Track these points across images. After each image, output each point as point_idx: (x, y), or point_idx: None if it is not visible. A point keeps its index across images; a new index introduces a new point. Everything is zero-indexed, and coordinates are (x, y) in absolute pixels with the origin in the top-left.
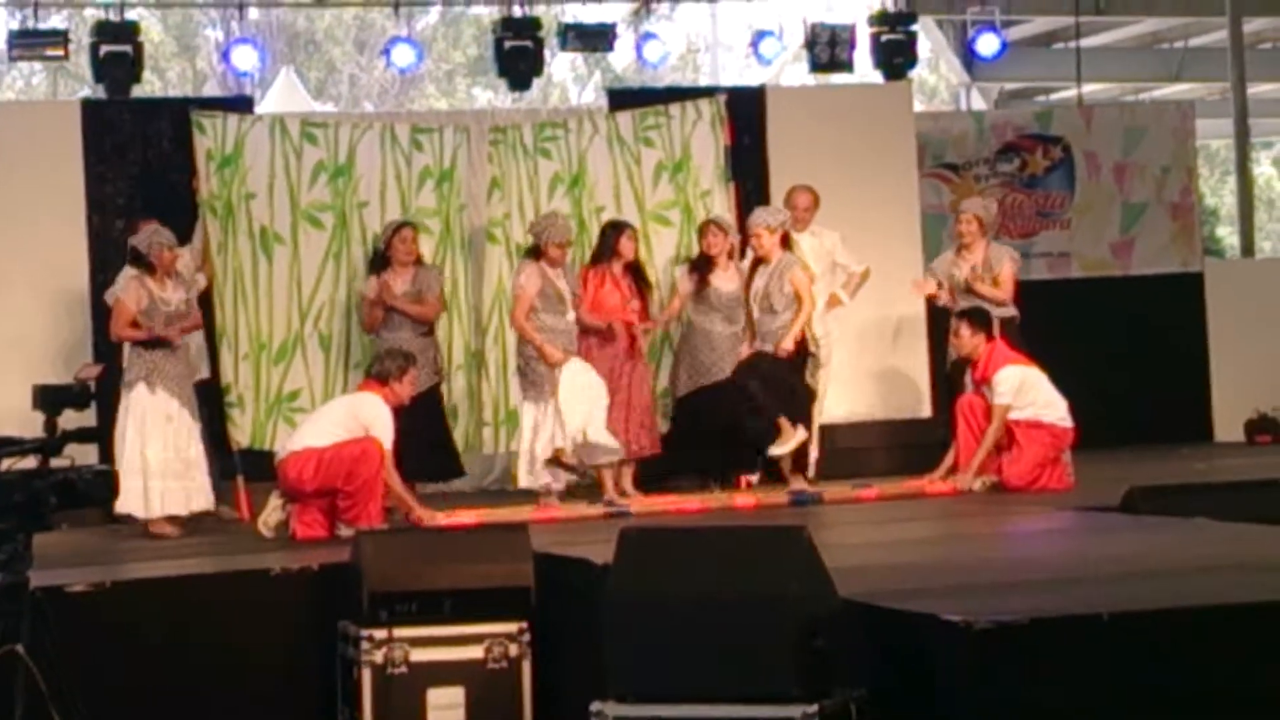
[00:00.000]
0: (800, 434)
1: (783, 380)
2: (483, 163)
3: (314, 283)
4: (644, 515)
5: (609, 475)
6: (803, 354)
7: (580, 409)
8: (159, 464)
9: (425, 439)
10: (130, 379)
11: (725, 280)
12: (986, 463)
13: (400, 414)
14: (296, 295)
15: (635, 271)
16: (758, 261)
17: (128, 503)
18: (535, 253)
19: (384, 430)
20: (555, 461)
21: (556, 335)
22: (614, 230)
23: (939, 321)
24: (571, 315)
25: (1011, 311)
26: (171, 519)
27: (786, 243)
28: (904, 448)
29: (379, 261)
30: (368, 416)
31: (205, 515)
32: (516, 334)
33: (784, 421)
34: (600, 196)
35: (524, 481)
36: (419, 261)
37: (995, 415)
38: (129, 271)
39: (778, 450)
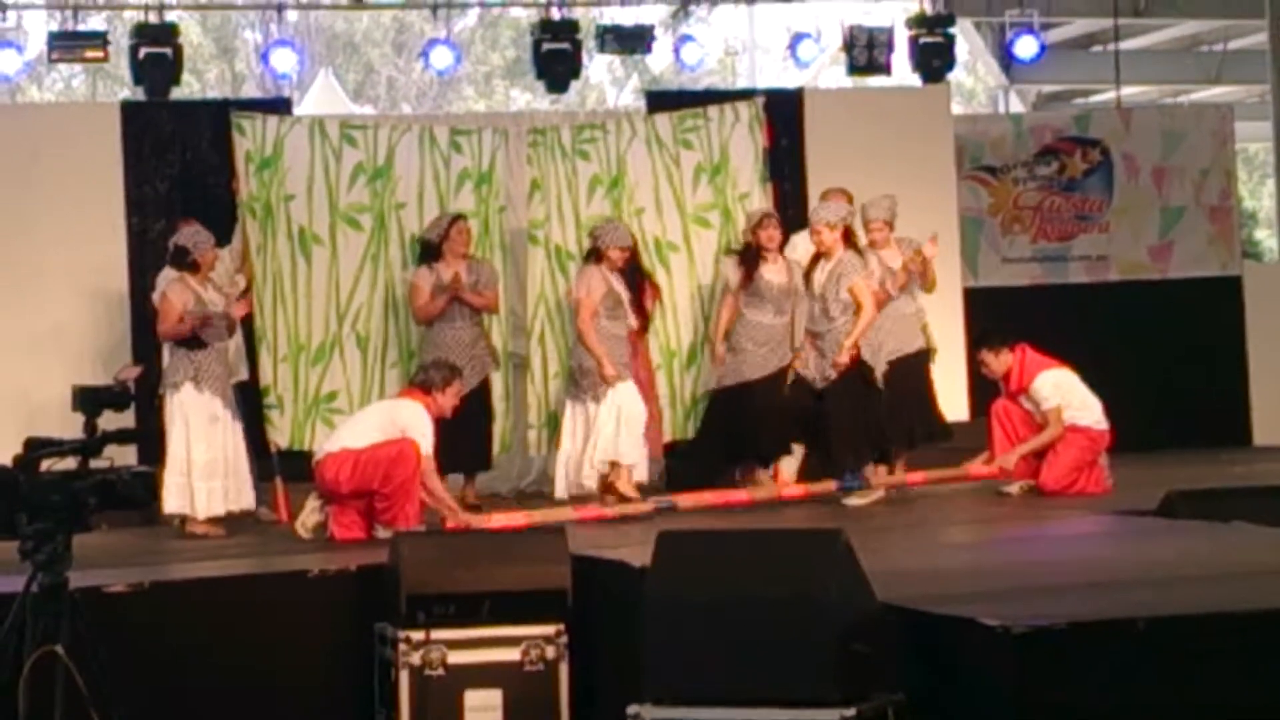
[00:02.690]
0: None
1: (851, 410)
2: (521, 164)
3: (352, 284)
4: (690, 508)
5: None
6: (861, 369)
7: (619, 438)
8: (204, 465)
9: (471, 429)
10: (177, 380)
11: (775, 273)
12: (1023, 468)
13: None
14: (335, 296)
15: (631, 274)
16: (818, 256)
17: (174, 503)
18: (595, 257)
19: (423, 435)
20: (609, 491)
21: (616, 342)
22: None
23: (975, 323)
24: (632, 320)
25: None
26: (214, 520)
27: (850, 241)
28: (942, 451)
29: (430, 253)
30: (406, 421)
31: (246, 515)
32: (576, 338)
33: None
34: (640, 198)
35: (561, 490)
36: (469, 255)
37: (1052, 419)
38: (170, 273)
39: (857, 501)
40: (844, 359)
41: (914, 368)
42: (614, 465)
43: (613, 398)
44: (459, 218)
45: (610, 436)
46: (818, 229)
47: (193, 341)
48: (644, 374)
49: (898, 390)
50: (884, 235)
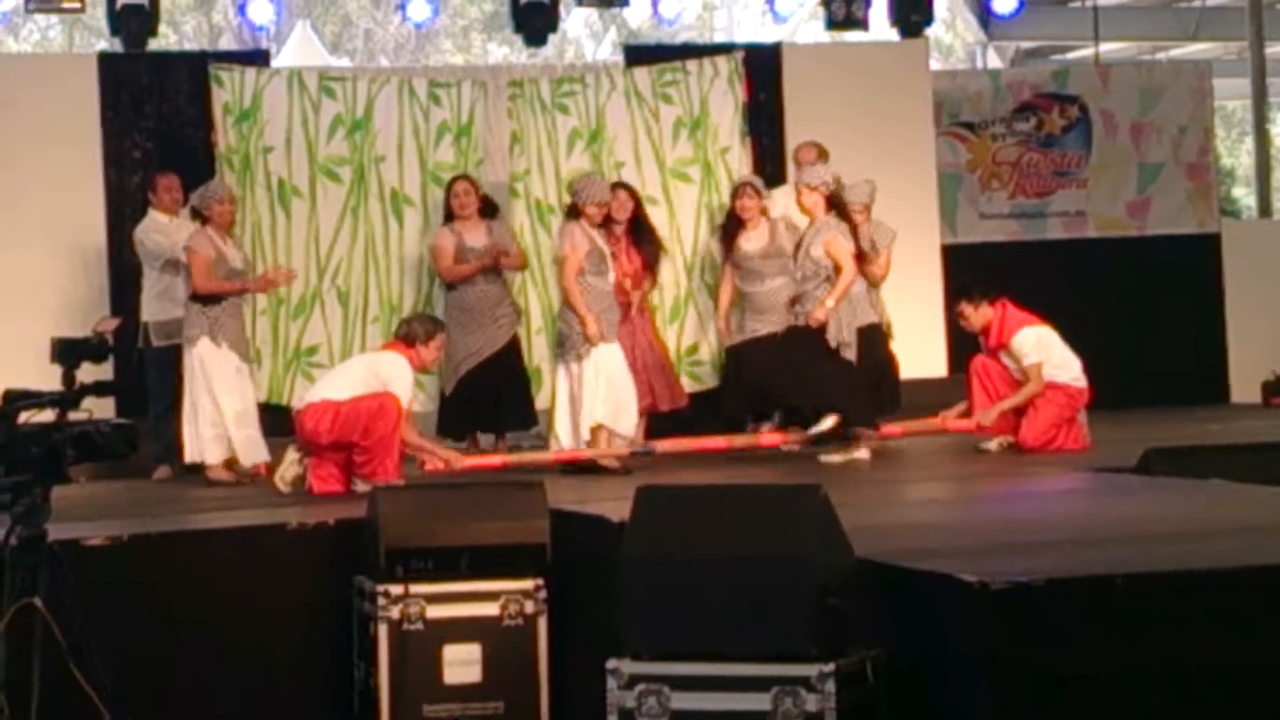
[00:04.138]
0: (829, 420)
1: (813, 366)
2: (499, 118)
3: (332, 237)
4: (667, 453)
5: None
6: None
7: (606, 401)
8: (236, 414)
9: (512, 388)
10: (193, 334)
11: (750, 240)
12: (1002, 423)
13: (491, 364)
14: (314, 249)
15: (635, 231)
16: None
17: (212, 453)
18: (574, 213)
19: (403, 388)
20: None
21: (601, 297)
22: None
23: (954, 280)
24: (613, 275)
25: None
26: (231, 467)
27: (834, 205)
28: (919, 407)
29: (451, 217)
30: (388, 374)
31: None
32: (563, 296)
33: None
34: (620, 152)
35: (565, 443)
36: (484, 214)
37: (1032, 375)
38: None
39: (815, 430)
40: (820, 314)
41: (868, 341)
42: (596, 428)
43: (595, 359)
44: (455, 179)
45: (591, 401)
46: (799, 190)
47: (209, 297)
48: (646, 335)
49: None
50: (863, 219)
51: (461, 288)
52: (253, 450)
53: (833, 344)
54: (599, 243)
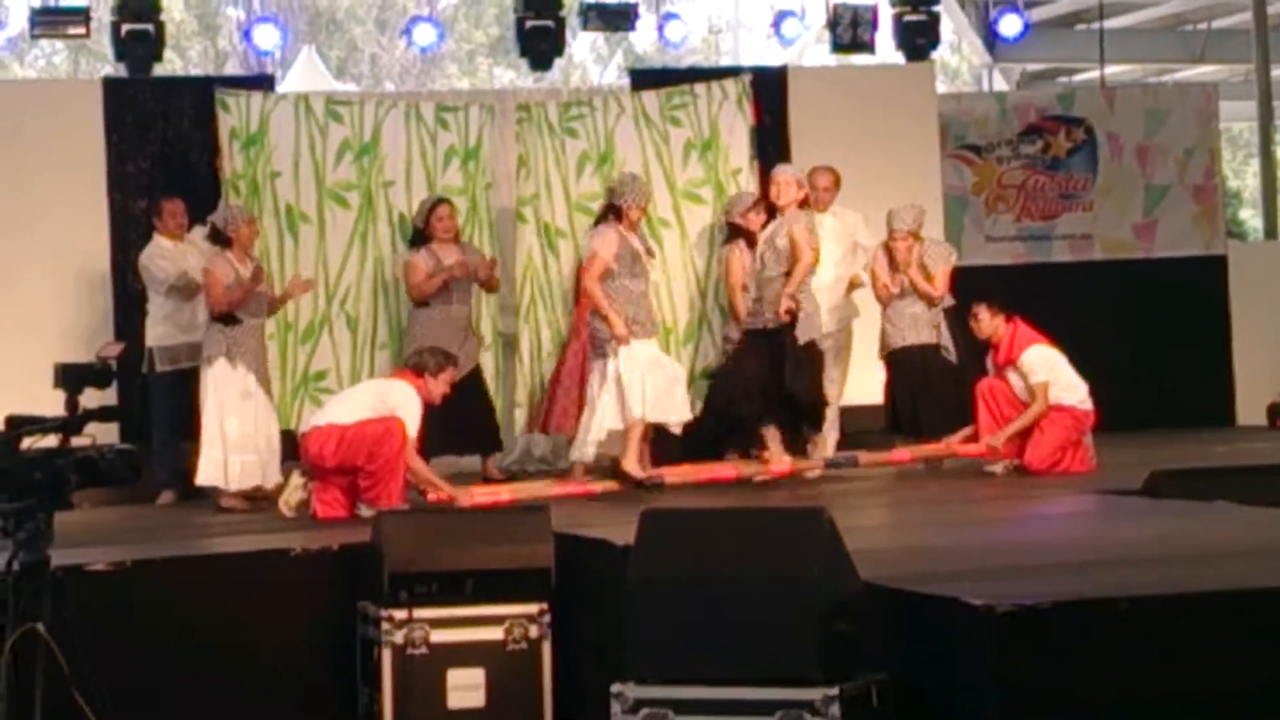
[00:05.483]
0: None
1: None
2: (506, 142)
3: (340, 263)
4: (678, 484)
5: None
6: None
7: (638, 390)
8: (237, 438)
9: (476, 410)
10: (210, 354)
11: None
12: (1009, 447)
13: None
14: (323, 275)
15: None
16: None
17: (207, 475)
18: (614, 214)
19: (410, 415)
20: (622, 475)
21: (633, 298)
22: None
23: (961, 303)
24: (650, 276)
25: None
26: (243, 494)
27: (805, 204)
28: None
29: (419, 239)
30: (395, 400)
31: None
32: (589, 299)
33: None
34: None
35: (573, 454)
36: (457, 238)
37: (1038, 394)
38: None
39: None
40: (784, 307)
41: (916, 360)
42: (632, 424)
43: (625, 356)
44: (439, 202)
45: (632, 398)
46: (788, 183)
47: (228, 317)
48: (579, 358)
49: (898, 380)
50: (908, 244)
51: (433, 305)
52: (246, 475)
53: (802, 340)
54: (634, 244)
